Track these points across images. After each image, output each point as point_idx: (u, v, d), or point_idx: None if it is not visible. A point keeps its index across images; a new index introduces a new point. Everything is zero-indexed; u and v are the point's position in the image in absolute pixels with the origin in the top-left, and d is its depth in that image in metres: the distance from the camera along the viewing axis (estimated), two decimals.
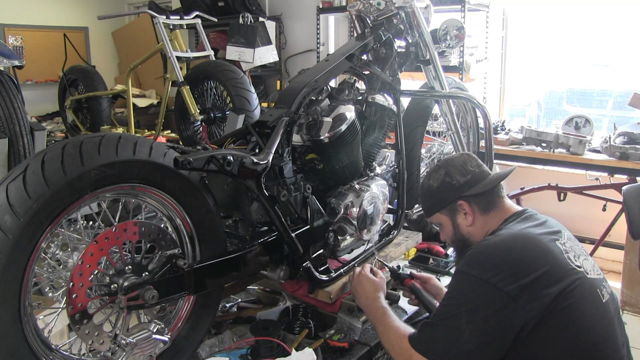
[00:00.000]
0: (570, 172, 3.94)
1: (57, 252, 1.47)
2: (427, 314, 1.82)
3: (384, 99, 2.02)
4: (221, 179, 1.60)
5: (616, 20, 4.43)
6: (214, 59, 4.08)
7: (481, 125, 2.65)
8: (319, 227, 1.77)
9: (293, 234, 1.66)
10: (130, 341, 1.31)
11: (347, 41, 2.42)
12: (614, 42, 4.54)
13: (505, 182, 1.63)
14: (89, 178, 1.22)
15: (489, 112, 2.33)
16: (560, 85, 5.05)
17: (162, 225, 1.47)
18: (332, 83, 2.00)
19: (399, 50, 2.17)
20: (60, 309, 1.47)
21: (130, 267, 1.34)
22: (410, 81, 4.03)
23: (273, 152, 1.55)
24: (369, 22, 2.08)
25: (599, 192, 3.79)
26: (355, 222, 1.87)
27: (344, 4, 5.09)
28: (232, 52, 4.63)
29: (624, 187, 2.56)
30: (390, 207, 2.16)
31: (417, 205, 2.42)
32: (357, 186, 1.91)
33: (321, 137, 1.75)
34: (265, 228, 1.69)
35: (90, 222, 1.48)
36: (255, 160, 1.48)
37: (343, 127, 1.77)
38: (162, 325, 1.41)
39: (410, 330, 1.45)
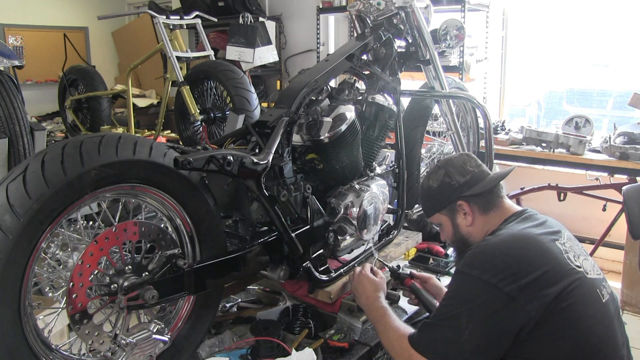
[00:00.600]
0: (570, 172, 3.94)
1: (57, 252, 1.47)
2: (427, 313, 1.82)
3: (384, 99, 2.02)
4: (221, 179, 1.60)
5: (616, 20, 4.43)
6: (214, 59, 4.08)
7: (481, 125, 2.65)
8: (319, 227, 1.77)
9: (293, 234, 1.66)
10: (130, 341, 1.31)
11: (347, 41, 2.42)
12: (614, 42, 4.54)
13: (505, 182, 1.63)
14: (89, 178, 1.22)
15: (489, 112, 2.33)
16: (560, 85, 5.04)
17: (162, 225, 1.47)
18: (332, 83, 2.00)
19: (399, 50, 2.17)
20: (60, 309, 1.47)
21: (130, 267, 1.34)
22: (410, 81, 4.03)
23: (273, 152, 1.55)
24: (369, 22, 2.08)
25: (599, 192, 3.79)
26: (355, 222, 1.87)
27: (344, 4, 5.09)
28: (232, 52, 4.63)
29: (624, 187, 2.56)
30: (390, 207, 2.16)
31: (417, 205, 2.42)
32: (357, 186, 1.91)
33: (321, 137, 1.75)
34: (265, 228, 1.69)
35: (90, 222, 1.48)
36: (255, 160, 1.48)
37: (343, 127, 1.77)
38: (162, 325, 1.41)
39: (410, 330, 1.45)
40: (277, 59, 5.03)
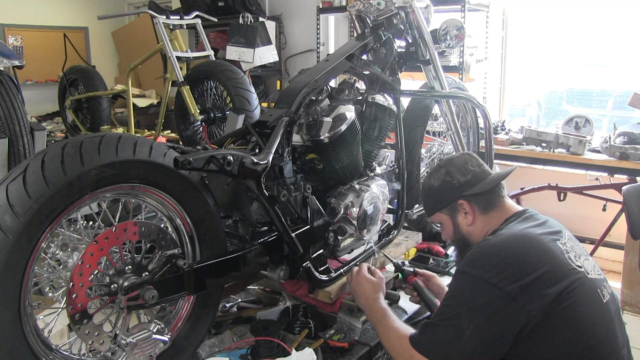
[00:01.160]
0: (570, 172, 3.94)
1: (57, 252, 1.47)
2: (428, 313, 1.82)
3: (384, 99, 2.02)
4: (221, 179, 1.60)
5: (616, 20, 4.43)
6: (214, 59, 4.08)
7: (481, 125, 2.65)
8: (319, 227, 1.77)
9: (293, 234, 1.66)
10: (130, 341, 1.31)
11: (347, 41, 2.42)
12: (614, 42, 4.54)
13: (506, 182, 1.63)
14: (89, 178, 1.22)
15: (489, 112, 2.33)
16: (560, 85, 5.04)
17: (162, 225, 1.47)
18: (332, 83, 2.00)
19: (399, 50, 2.17)
20: (60, 309, 1.47)
21: (130, 267, 1.34)
22: (410, 81, 4.03)
23: (273, 152, 1.55)
24: (369, 22, 2.08)
25: (599, 192, 3.79)
26: (355, 222, 1.87)
27: (344, 4, 5.09)
28: (232, 52, 4.63)
29: (624, 187, 2.56)
30: (390, 207, 2.16)
31: (417, 205, 2.42)
32: (357, 186, 1.91)
33: (321, 137, 1.75)
34: (265, 228, 1.69)
35: (90, 222, 1.48)
36: (255, 160, 1.48)
37: (343, 127, 1.77)
38: (162, 325, 1.41)
39: (410, 330, 1.45)
40: (277, 59, 5.03)
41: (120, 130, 4.61)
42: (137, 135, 1.90)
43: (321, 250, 1.80)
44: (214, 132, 3.82)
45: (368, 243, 2.03)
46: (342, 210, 1.85)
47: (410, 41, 2.19)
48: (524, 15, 4.83)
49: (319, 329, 1.77)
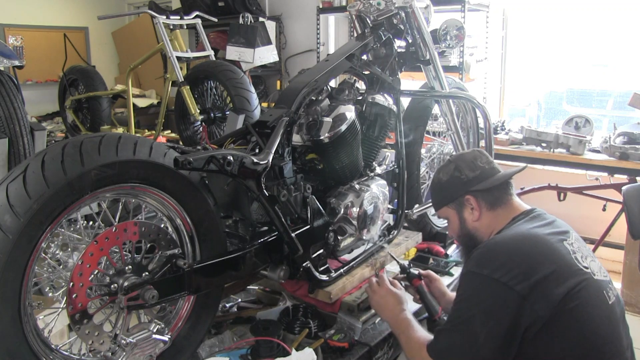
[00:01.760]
0: (570, 172, 3.94)
1: (57, 252, 1.47)
2: (427, 314, 1.82)
3: (384, 99, 2.02)
4: (221, 179, 1.60)
5: (616, 20, 4.42)
6: (214, 59, 4.08)
7: (481, 125, 2.65)
8: (319, 227, 1.77)
9: (293, 234, 1.66)
10: (130, 341, 1.31)
11: (347, 41, 2.42)
12: (614, 42, 4.54)
13: (513, 181, 1.63)
14: (89, 178, 1.22)
15: (489, 112, 2.32)
16: (560, 85, 5.04)
17: (162, 225, 1.47)
18: (332, 83, 2.00)
19: (399, 50, 2.17)
20: (60, 309, 1.47)
21: (130, 267, 1.34)
22: (410, 81, 4.03)
23: (273, 152, 1.55)
24: (369, 22, 2.08)
25: (599, 192, 3.79)
26: (355, 222, 1.87)
27: (344, 4, 5.08)
28: (232, 52, 4.63)
29: (624, 187, 2.56)
30: (390, 207, 2.16)
31: (417, 205, 2.42)
32: (357, 186, 1.91)
33: (321, 137, 1.75)
34: (265, 228, 1.69)
35: (90, 222, 1.48)
36: (255, 160, 1.48)
37: (343, 127, 1.77)
38: (162, 325, 1.41)
39: (429, 337, 1.45)
40: (277, 59, 5.02)
41: (120, 130, 4.60)
42: (137, 135, 1.90)
43: (321, 250, 1.80)
44: (214, 132, 3.82)
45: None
46: (342, 210, 1.85)
47: (410, 41, 2.19)
48: (524, 15, 4.83)
49: (319, 329, 1.77)
